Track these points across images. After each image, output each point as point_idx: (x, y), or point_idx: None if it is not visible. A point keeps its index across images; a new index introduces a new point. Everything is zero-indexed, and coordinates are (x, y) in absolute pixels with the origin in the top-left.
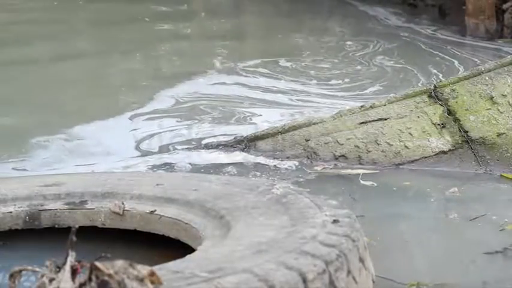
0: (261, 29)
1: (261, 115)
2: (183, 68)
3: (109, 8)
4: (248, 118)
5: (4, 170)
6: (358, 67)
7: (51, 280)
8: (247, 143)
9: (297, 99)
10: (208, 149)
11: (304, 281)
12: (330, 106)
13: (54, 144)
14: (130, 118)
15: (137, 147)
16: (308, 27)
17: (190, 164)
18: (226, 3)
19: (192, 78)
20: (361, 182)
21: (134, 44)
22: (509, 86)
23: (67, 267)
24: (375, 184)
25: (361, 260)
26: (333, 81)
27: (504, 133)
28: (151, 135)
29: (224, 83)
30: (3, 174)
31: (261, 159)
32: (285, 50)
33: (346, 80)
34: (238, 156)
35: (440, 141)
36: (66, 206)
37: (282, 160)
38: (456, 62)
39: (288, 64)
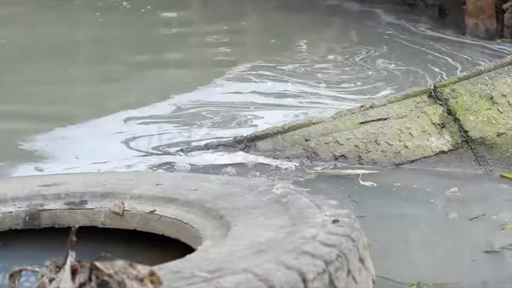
0: (262, 35)
1: (263, 117)
2: (186, 73)
3: (110, 13)
4: (249, 121)
5: (26, 172)
6: (362, 70)
7: (51, 280)
8: (247, 143)
9: (306, 102)
10: (208, 149)
11: (304, 280)
12: (337, 107)
13: (63, 144)
14: (126, 120)
15: (137, 147)
16: (310, 30)
17: (190, 164)
18: (226, 6)
19: (194, 81)
20: (361, 182)
21: (137, 49)
22: (509, 86)
23: (67, 267)
24: (375, 184)
25: (361, 260)
26: (344, 85)
27: (504, 133)
28: (151, 136)
29: (228, 88)
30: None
31: (261, 159)
32: (287, 54)
33: (358, 83)
34: (238, 156)
35: (440, 141)
36: (66, 206)
37: (282, 160)
38: (456, 63)
39: (291, 68)
